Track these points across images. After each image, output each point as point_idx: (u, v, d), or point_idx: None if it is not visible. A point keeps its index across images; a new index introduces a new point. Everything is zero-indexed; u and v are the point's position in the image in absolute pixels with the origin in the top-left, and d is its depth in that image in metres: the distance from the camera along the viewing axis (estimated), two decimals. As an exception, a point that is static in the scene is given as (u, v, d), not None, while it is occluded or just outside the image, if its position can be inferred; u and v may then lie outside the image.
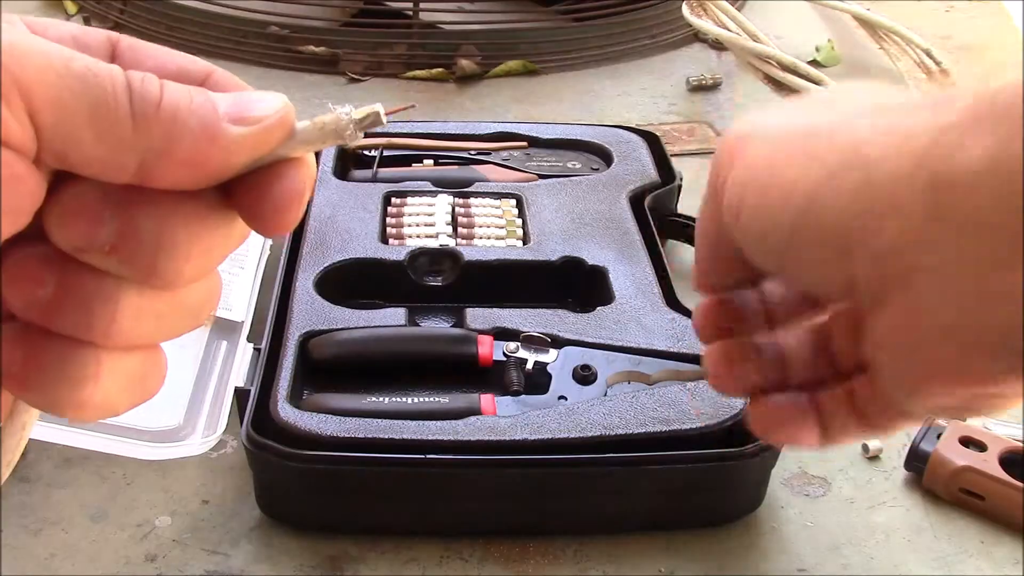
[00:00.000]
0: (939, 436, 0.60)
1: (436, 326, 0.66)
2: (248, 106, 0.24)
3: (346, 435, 0.53)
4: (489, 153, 0.81)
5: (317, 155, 0.79)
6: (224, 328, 0.64)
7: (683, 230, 0.81)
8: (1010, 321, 0.24)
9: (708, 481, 0.55)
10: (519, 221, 0.73)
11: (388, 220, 0.72)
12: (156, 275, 0.24)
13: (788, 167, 0.29)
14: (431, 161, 0.80)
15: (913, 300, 0.26)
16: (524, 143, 0.82)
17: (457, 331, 0.63)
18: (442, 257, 0.68)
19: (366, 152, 0.81)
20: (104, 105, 0.22)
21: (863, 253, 0.27)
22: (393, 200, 0.74)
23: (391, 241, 0.70)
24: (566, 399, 0.58)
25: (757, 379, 0.35)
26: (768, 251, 0.30)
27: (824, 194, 0.27)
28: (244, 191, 0.25)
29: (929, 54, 1.17)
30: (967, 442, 0.60)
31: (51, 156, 0.22)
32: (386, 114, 0.26)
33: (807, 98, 0.34)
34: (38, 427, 0.51)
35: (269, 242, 0.72)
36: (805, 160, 0.28)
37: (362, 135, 0.25)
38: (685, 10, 1.12)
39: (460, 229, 0.71)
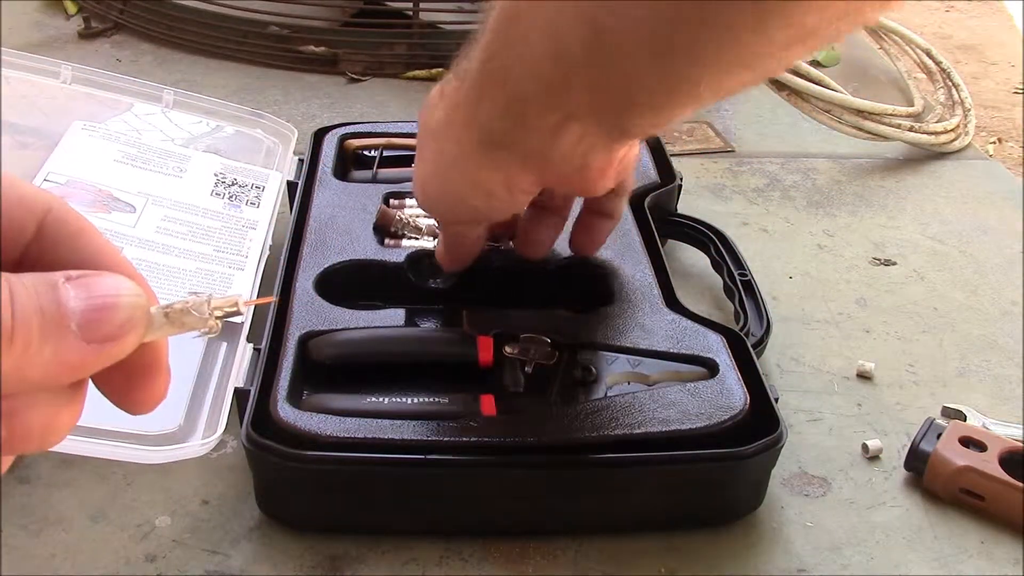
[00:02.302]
0: (939, 436, 0.60)
1: (436, 327, 0.66)
2: (102, 316, 0.23)
3: (346, 435, 0.53)
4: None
5: (317, 156, 0.79)
6: (224, 329, 0.63)
7: (683, 230, 0.81)
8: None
9: (708, 481, 0.55)
10: (518, 221, 0.73)
11: (388, 220, 0.72)
12: (38, 449, 0.24)
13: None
14: (431, 161, 0.80)
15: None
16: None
17: (457, 332, 0.62)
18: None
19: (366, 152, 0.81)
20: None
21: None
22: (393, 201, 0.74)
23: (390, 242, 0.70)
24: (566, 400, 0.58)
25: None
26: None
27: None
28: (104, 378, 0.25)
29: (929, 54, 1.17)
30: (967, 442, 0.60)
31: None
32: (245, 304, 0.26)
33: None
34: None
35: (269, 242, 0.72)
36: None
37: (220, 324, 0.26)
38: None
39: (460, 229, 0.71)
